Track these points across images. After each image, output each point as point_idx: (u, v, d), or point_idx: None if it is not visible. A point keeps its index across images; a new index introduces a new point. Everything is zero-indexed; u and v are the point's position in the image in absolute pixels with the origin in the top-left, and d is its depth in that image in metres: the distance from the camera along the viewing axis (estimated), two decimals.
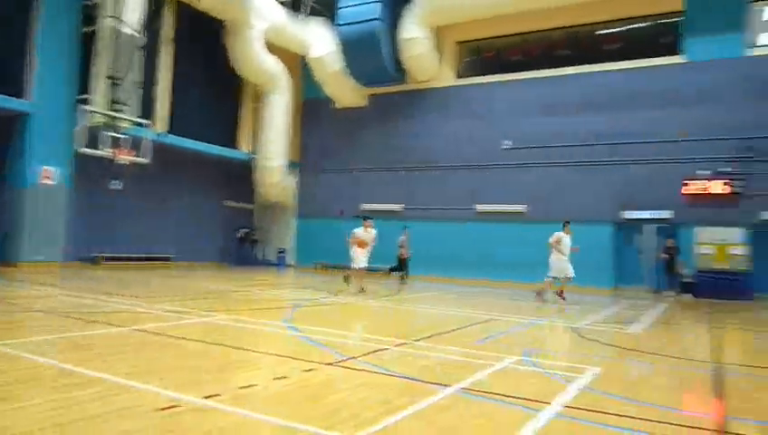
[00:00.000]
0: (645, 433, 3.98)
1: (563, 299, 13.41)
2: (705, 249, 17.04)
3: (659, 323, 10.89)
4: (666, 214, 17.55)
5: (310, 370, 5.36)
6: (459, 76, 22.12)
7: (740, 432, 4.07)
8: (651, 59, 18.57)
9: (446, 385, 4.90)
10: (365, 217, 14.61)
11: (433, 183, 21.44)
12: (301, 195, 24.33)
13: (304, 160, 24.42)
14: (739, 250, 16.60)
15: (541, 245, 18.68)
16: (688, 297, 16.22)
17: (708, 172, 17.07)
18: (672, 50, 18.47)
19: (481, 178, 20.56)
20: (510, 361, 6.24)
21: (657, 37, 19.43)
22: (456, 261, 20.18)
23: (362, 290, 13.69)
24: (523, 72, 20.61)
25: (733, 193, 16.71)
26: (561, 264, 13.42)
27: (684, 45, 18.12)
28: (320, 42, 22.35)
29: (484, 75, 21.54)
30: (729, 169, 16.84)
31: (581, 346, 7.96)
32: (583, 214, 18.31)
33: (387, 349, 6.73)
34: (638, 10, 18.97)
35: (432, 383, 5.01)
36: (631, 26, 19.69)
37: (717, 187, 16.88)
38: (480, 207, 20.36)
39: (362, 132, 23.25)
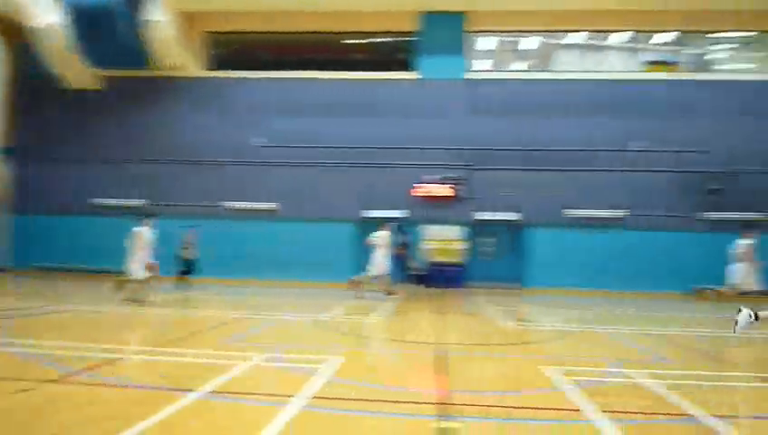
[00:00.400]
0: (383, 413, 4.34)
1: (390, 295, 14.64)
2: (431, 245, 19.42)
3: (394, 312, 11.99)
4: (400, 213, 19.41)
5: (27, 390, 4.62)
6: (208, 68, 21.34)
7: (459, 403, 4.69)
8: (390, 72, 20.39)
9: (190, 390, 4.67)
10: (147, 214, 12.65)
11: (180, 178, 20.25)
12: (18, 187, 20.79)
13: (23, 147, 20.92)
14: (458, 245, 19.31)
15: (295, 242, 19.24)
16: (420, 288, 18.14)
17: (435, 177, 19.36)
18: (409, 66, 20.49)
19: (232, 174, 20.11)
20: (259, 358, 6.23)
21: (396, 52, 21.39)
22: (210, 260, 19.36)
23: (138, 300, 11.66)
24: (274, 72, 20.78)
25: (454, 196, 19.25)
26: (384, 261, 14.56)
27: (417, 63, 20.26)
28: (46, 11, 19.35)
29: (235, 69, 21.14)
30: (451, 175, 19.35)
31: (326, 338, 8.35)
32: (331, 212, 19.36)
33: (123, 358, 6.16)
34: (380, 25, 20.63)
35: (174, 390, 4.74)
36: (374, 40, 21.34)
37: (441, 190, 19.25)
38: (230, 205, 19.92)
39: (97, 119, 20.81)
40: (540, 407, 4.71)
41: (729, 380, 5.93)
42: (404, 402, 4.71)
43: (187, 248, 15.93)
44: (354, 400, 4.71)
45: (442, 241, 19.44)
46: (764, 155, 18.51)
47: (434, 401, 4.69)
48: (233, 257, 19.24)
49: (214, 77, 21.01)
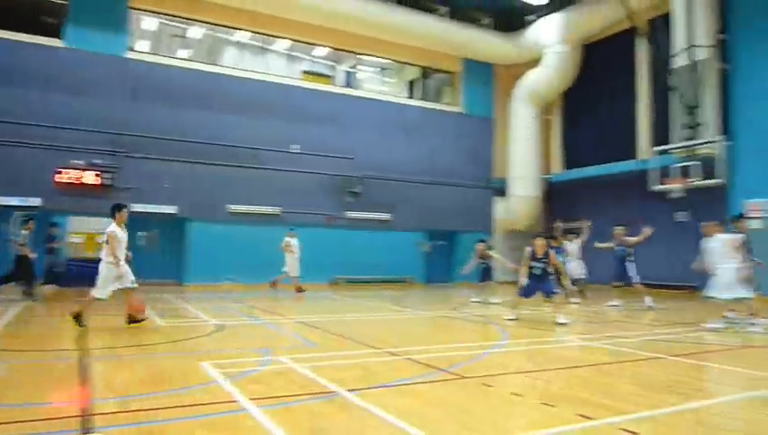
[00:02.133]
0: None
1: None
2: (76, 238, 17.25)
3: (22, 318, 10.30)
4: (36, 201, 16.61)
5: None
6: None
7: (103, 412, 4.23)
8: (31, 35, 17.24)
9: None
10: (118, 205, 9.10)
11: None
12: None
13: None
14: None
15: None
16: (51, 287, 15.46)
17: (82, 162, 17.20)
18: (57, 32, 17.68)
19: None
20: None
21: (41, 14, 18.24)
22: None
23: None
24: None
25: (104, 184, 17.36)
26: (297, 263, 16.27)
27: (66, 31, 17.67)
28: None
29: None
30: (102, 161, 17.46)
31: None
32: None
33: None
34: None
35: None
36: None
37: (90, 177, 17.16)
38: None
39: None
40: (193, 404, 4.60)
41: (360, 357, 6.80)
42: (38, 421, 4.04)
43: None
44: None
45: (89, 234, 17.41)
46: (397, 165, 22.06)
47: (74, 415, 4.14)
48: None
49: None
